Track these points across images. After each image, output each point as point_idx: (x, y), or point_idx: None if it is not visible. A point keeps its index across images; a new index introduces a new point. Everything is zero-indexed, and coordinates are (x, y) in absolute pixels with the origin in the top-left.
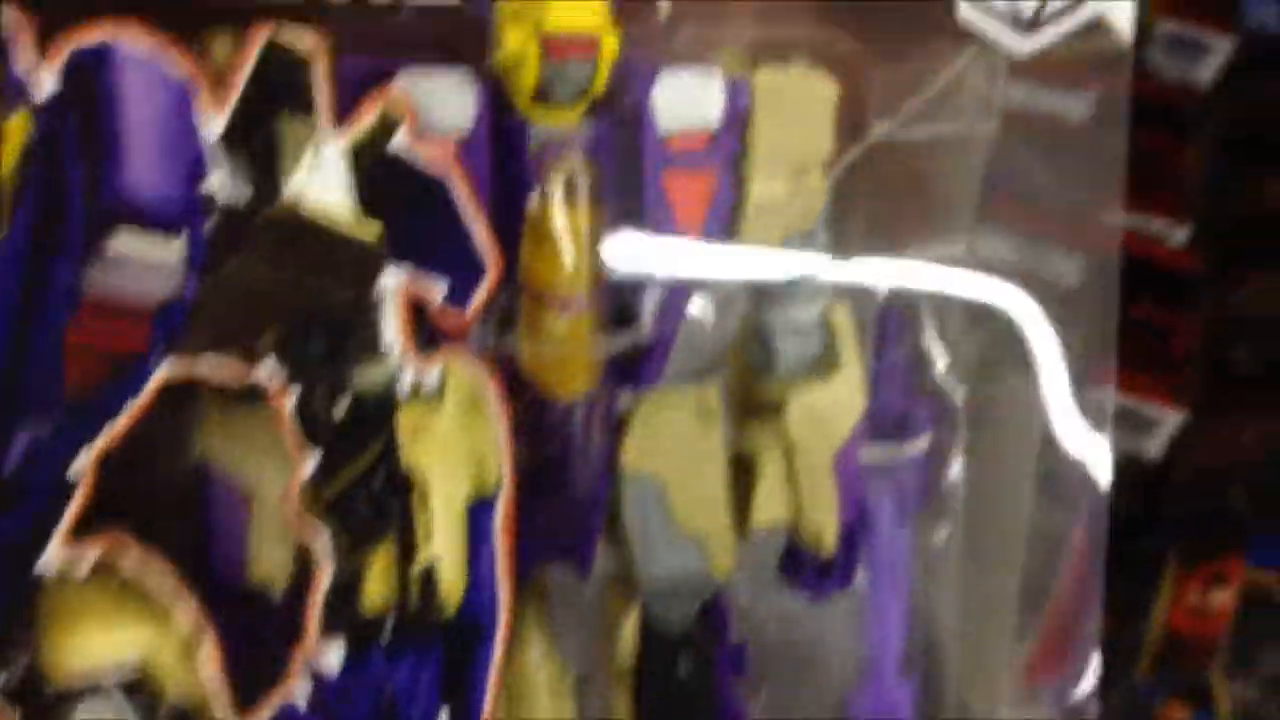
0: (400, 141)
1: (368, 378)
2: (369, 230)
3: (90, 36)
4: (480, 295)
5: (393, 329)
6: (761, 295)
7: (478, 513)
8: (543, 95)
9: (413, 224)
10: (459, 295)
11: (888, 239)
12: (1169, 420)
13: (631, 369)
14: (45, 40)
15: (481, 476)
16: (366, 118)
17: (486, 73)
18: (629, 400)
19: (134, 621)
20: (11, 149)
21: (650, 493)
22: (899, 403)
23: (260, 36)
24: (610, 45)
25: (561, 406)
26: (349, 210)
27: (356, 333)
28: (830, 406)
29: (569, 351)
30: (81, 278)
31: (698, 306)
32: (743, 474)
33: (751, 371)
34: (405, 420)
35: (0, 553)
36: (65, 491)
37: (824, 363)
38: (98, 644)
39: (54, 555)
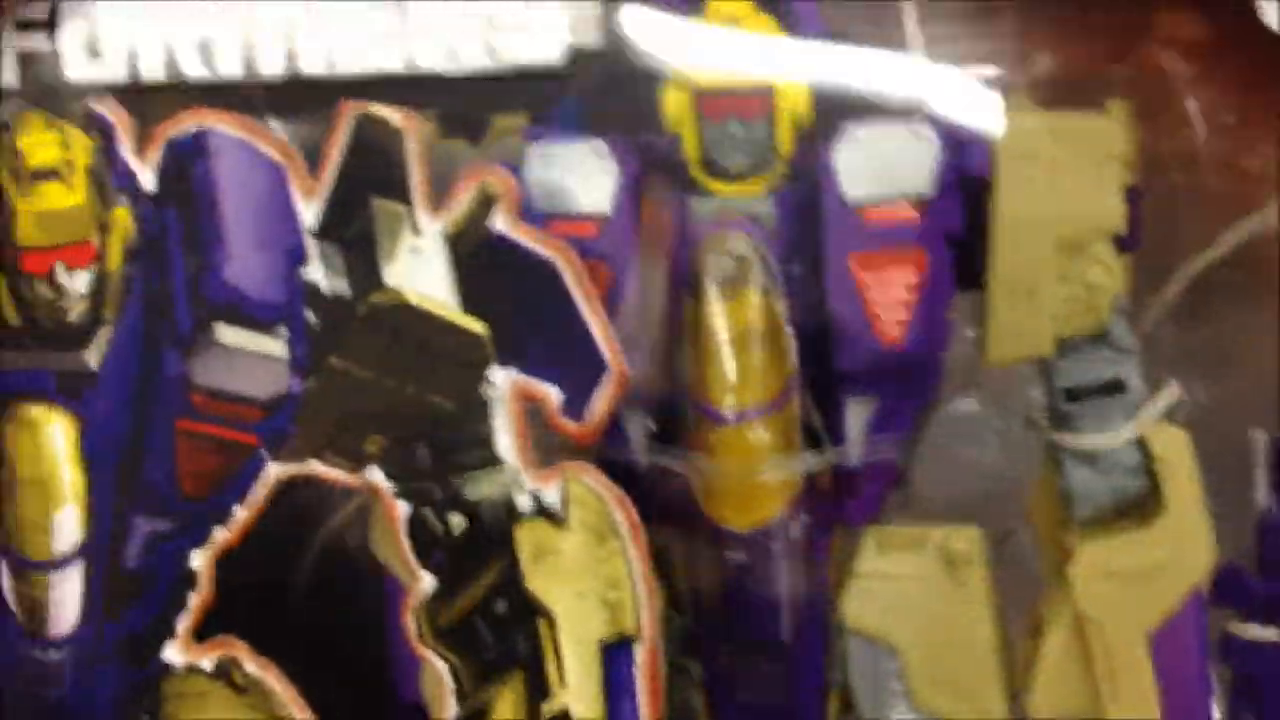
0: (501, 225)
1: (480, 490)
2: (474, 323)
3: (184, 126)
4: (603, 403)
5: (506, 437)
6: (1055, 411)
7: (615, 656)
8: (710, 164)
9: (521, 318)
10: (576, 402)
11: None
12: None
13: (836, 497)
14: (145, 132)
15: (617, 614)
16: (463, 199)
17: (632, 142)
18: (845, 538)
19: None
20: (118, 240)
21: (881, 662)
22: None
23: (350, 115)
24: (792, 100)
25: (735, 537)
26: (451, 301)
27: (465, 439)
28: (1142, 565)
29: (738, 472)
30: (191, 369)
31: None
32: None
33: (1059, 510)
34: (525, 540)
35: (126, 644)
36: (187, 585)
37: (1138, 505)
38: None
39: (177, 652)
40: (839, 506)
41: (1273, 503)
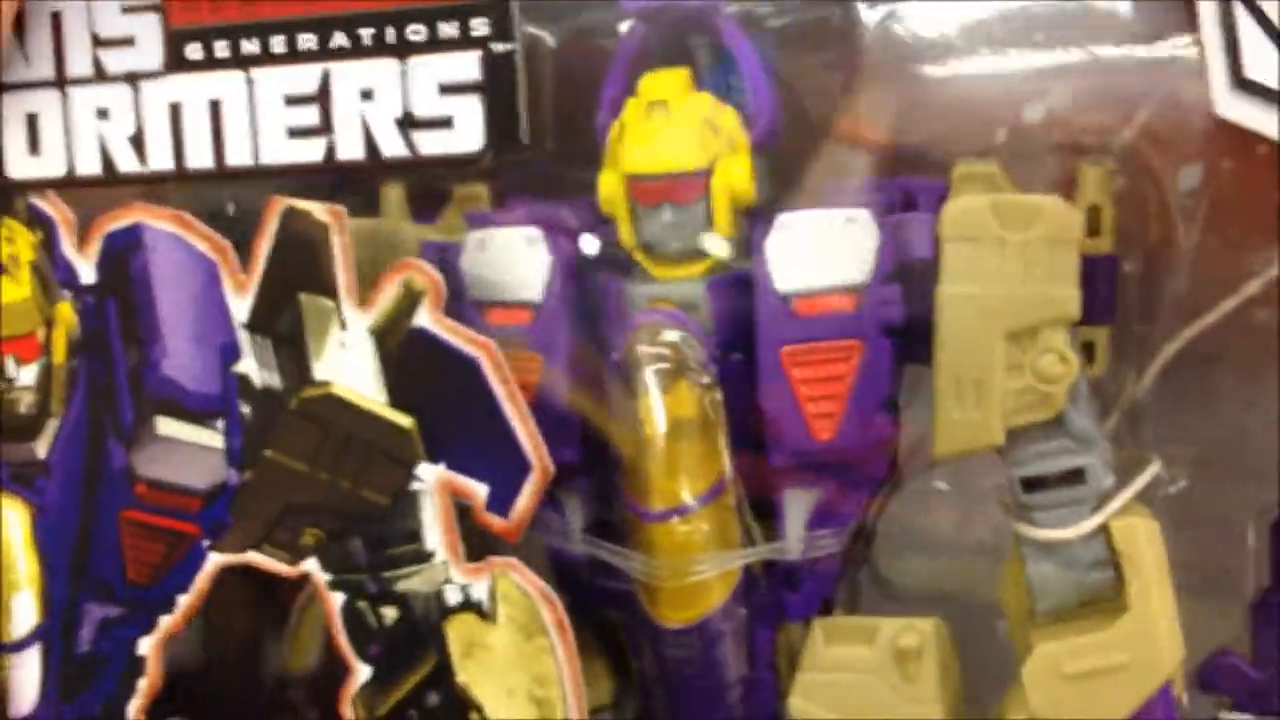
0: (425, 320)
1: (411, 584)
2: (402, 419)
3: (120, 220)
4: (526, 499)
5: (435, 532)
6: (1015, 501)
7: None
8: (648, 248)
9: (446, 415)
10: (501, 498)
11: None
12: None
13: (776, 592)
14: (85, 226)
15: (545, 711)
16: (388, 294)
17: (563, 227)
18: (795, 632)
19: None
20: (62, 333)
21: None
22: None
23: (276, 210)
24: (730, 182)
25: (671, 632)
26: (379, 396)
27: (396, 533)
28: (1100, 667)
29: (669, 570)
30: (134, 460)
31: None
32: None
33: (1024, 600)
34: (455, 634)
35: None
36: (136, 670)
37: (1103, 598)
38: None
39: None
40: (779, 601)
41: (1267, 587)
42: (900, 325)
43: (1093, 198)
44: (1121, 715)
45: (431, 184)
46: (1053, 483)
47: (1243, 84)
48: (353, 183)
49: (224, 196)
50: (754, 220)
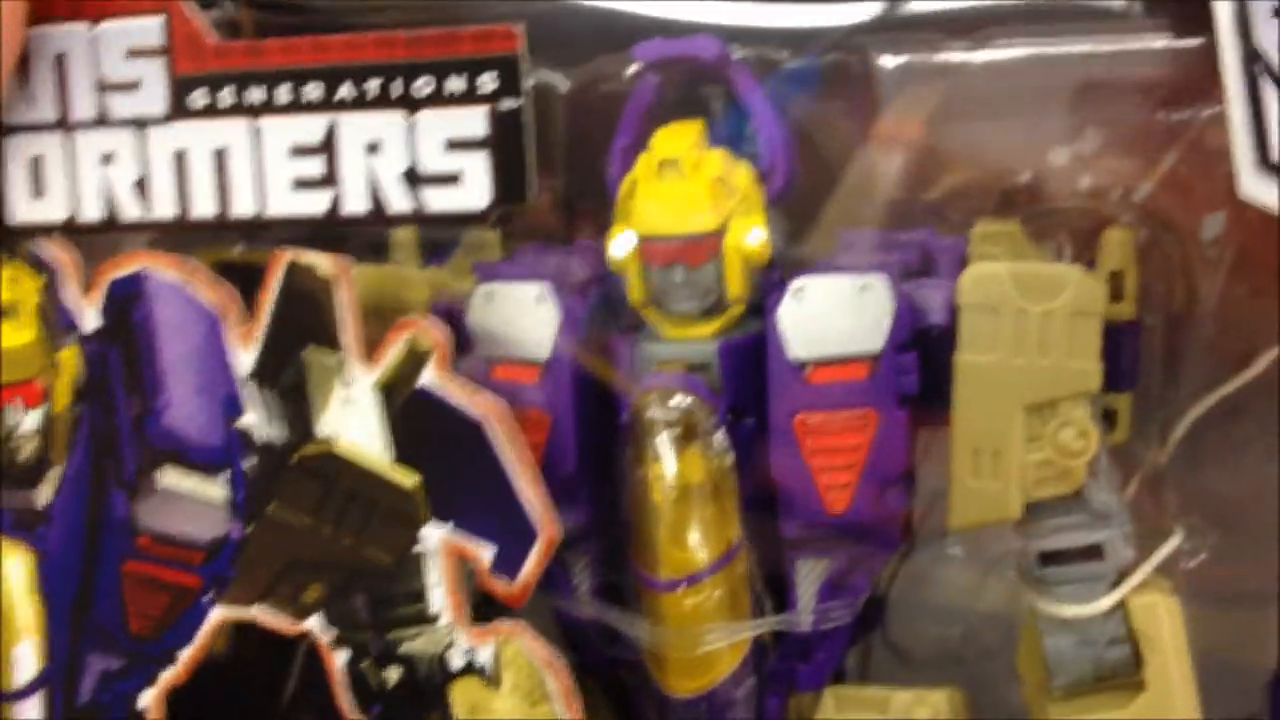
0: (431, 378)
1: (417, 645)
2: (407, 477)
3: (125, 268)
4: (532, 565)
5: (440, 593)
6: (1031, 575)
7: None
8: (659, 307)
9: (451, 475)
10: (508, 561)
11: None
12: None
13: (786, 661)
14: (90, 272)
15: None
16: (393, 351)
17: (571, 282)
18: (805, 700)
19: None
20: (66, 379)
21: None
22: None
23: (281, 264)
24: (742, 243)
25: (680, 702)
26: (384, 454)
27: (399, 593)
28: None
29: (677, 639)
30: (136, 511)
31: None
32: None
33: (1041, 672)
34: (459, 698)
35: None
36: None
37: (1120, 674)
38: None
39: None
40: (789, 670)
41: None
42: (916, 395)
43: (1116, 263)
44: None
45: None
46: (1071, 557)
47: (1268, 166)
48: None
49: (229, 245)
50: (771, 275)
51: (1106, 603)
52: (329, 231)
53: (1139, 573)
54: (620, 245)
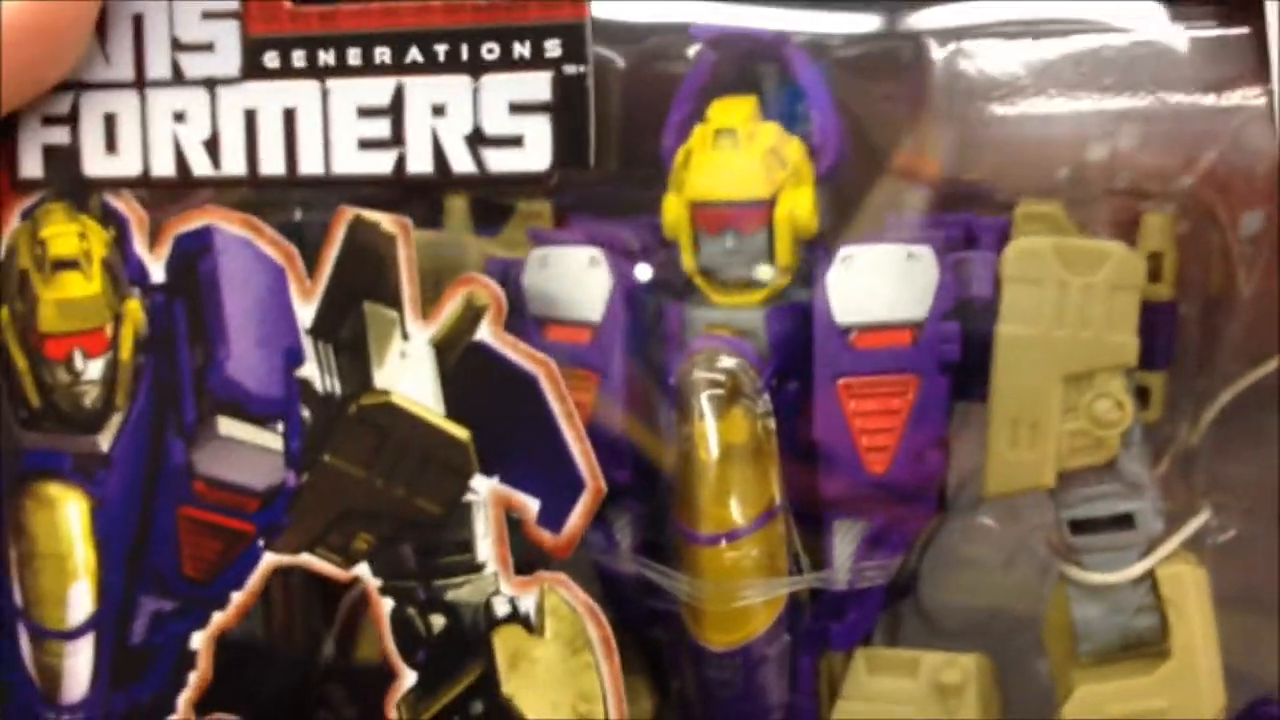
0: (486, 335)
1: (462, 593)
2: (459, 430)
3: (193, 222)
4: (578, 518)
5: (487, 543)
6: (1062, 543)
7: None
8: (709, 274)
9: (502, 429)
10: (553, 514)
11: None
12: None
13: (820, 620)
14: (157, 226)
15: None
16: (450, 308)
17: (624, 249)
18: (837, 661)
19: None
20: (130, 330)
21: None
22: None
23: (344, 220)
24: (793, 210)
25: (714, 654)
26: (437, 407)
27: (447, 542)
28: (1139, 713)
29: (716, 593)
30: (194, 458)
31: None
32: None
33: (1068, 641)
34: (502, 645)
35: (129, 716)
36: (187, 664)
37: (1148, 643)
38: None
39: None
40: (823, 629)
41: None
42: (957, 362)
43: (1155, 245)
44: None
45: (494, 199)
46: (1102, 526)
47: None
48: (418, 193)
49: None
50: (815, 250)
51: (1137, 570)
52: (385, 198)
53: (1169, 543)
54: (673, 212)
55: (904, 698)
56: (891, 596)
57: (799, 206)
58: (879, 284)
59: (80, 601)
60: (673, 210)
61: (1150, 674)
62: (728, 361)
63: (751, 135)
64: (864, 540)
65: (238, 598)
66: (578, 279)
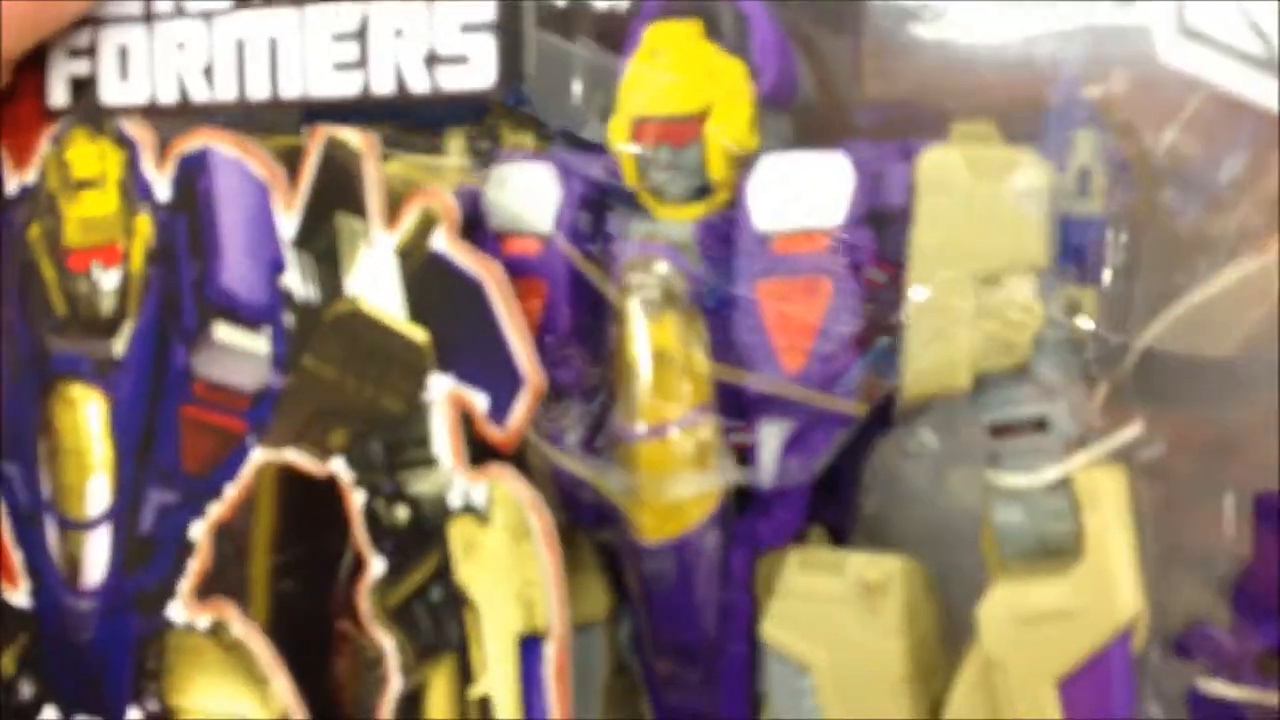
0: (440, 242)
1: (423, 486)
2: (418, 333)
3: (192, 143)
4: (520, 413)
5: (443, 438)
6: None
7: (527, 650)
8: (652, 191)
9: (454, 331)
10: (499, 410)
11: None
12: None
13: (752, 518)
14: (163, 148)
15: (532, 611)
16: (408, 217)
17: (579, 169)
18: (775, 563)
19: (241, 682)
20: (140, 244)
21: (796, 679)
22: None
23: (320, 138)
24: (727, 126)
25: (650, 549)
26: (400, 312)
27: (410, 438)
28: (1051, 611)
29: (647, 486)
30: (194, 361)
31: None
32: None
33: (995, 548)
34: (456, 534)
35: (140, 598)
36: (188, 552)
37: (1058, 549)
38: (213, 693)
39: (179, 609)
40: (752, 527)
41: (1250, 558)
42: (871, 268)
43: (1083, 160)
44: (1071, 661)
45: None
46: (1020, 430)
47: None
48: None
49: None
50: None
51: (1052, 474)
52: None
53: (1091, 449)
54: (616, 130)
55: (831, 596)
56: (821, 498)
57: (732, 123)
58: (795, 191)
59: (99, 494)
60: (615, 129)
61: (1063, 574)
62: (661, 267)
63: (685, 52)
64: (788, 439)
65: (231, 491)
66: (531, 192)
